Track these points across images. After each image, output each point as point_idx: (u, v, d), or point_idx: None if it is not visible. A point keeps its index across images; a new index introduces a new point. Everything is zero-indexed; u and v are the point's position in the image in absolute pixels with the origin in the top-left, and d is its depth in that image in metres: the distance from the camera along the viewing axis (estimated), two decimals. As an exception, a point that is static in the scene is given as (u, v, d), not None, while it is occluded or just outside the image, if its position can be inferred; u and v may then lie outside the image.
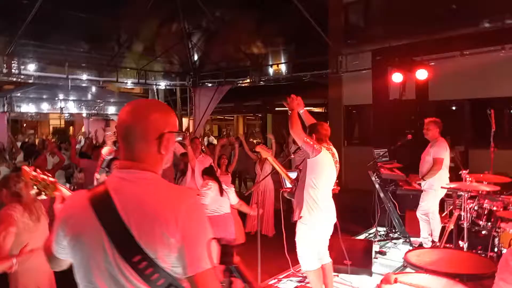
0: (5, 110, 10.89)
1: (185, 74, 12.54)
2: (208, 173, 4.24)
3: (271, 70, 11.73)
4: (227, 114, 19.78)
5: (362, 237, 6.01)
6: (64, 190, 1.62)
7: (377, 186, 5.38)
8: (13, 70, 8.62)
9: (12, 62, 8.56)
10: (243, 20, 11.07)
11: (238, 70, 12.02)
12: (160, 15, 11.06)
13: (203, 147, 6.97)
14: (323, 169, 3.41)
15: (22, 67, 8.80)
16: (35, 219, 2.65)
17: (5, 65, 8.41)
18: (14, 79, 8.89)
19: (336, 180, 3.62)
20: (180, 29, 11.20)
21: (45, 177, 1.63)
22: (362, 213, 6.36)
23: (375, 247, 5.04)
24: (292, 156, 4.20)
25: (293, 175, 3.89)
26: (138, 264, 1.14)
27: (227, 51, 11.92)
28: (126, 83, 11.34)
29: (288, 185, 4.05)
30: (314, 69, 10.90)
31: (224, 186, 4.14)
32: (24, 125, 20.51)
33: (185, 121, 14.63)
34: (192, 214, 1.19)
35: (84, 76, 10.40)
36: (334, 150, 3.61)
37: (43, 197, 1.65)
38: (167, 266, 1.16)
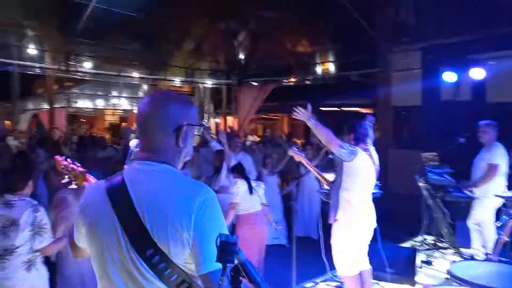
0: (64, 105, 11.60)
1: (231, 73, 12.66)
2: (237, 171, 4.20)
3: (317, 69, 11.53)
4: (272, 113, 19.70)
5: (407, 244, 5.70)
6: (93, 180, 1.65)
7: (424, 192, 5.07)
8: (70, 68, 9.14)
9: (70, 59, 9.08)
10: (289, 19, 10.99)
11: (283, 69, 11.94)
12: (208, 14, 11.27)
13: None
14: (360, 172, 3.26)
15: (79, 64, 9.32)
16: None
17: (63, 62, 8.94)
18: (72, 76, 9.40)
19: (379, 183, 3.45)
20: (227, 28, 11.32)
21: (75, 167, 1.67)
22: (408, 219, 6.03)
23: (421, 256, 4.75)
24: (331, 155, 4.04)
25: (331, 176, 3.75)
26: (151, 258, 1.12)
27: (272, 50, 11.87)
28: (174, 81, 11.65)
29: (325, 186, 3.92)
30: (362, 68, 10.55)
31: (253, 184, 4.08)
32: (81, 120, 21.78)
33: (230, 119, 14.78)
34: (207, 210, 1.14)
35: (135, 74, 10.81)
36: (373, 152, 3.43)
37: (73, 186, 1.69)
38: (180, 262, 1.13)
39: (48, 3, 8.15)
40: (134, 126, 10.94)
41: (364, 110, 14.78)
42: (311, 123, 3.14)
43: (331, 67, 11.52)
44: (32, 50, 9.04)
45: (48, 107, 10.87)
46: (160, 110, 1.24)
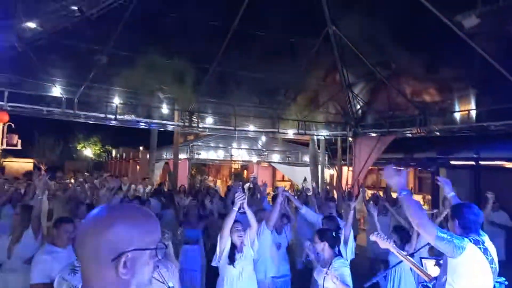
0: (187, 156, 12.73)
1: (346, 124, 12.25)
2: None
3: (443, 119, 10.27)
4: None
5: None
6: None
7: None
8: (193, 124, 10.06)
9: (193, 117, 10.01)
10: (411, 66, 10.23)
11: (405, 119, 10.99)
12: (322, 67, 11.32)
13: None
14: (470, 272, 2.46)
15: (200, 120, 10.20)
16: None
17: (187, 119, 9.90)
18: (194, 131, 10.29)
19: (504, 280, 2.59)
20: (341, 80, 11.13)
21: None
22: None
23: None
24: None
25: (432, 264, 2.98)
26: None
27: (392, 99, 11.12)
28: (287, 133, 11.78)
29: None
30: (503, 117, 8.97)
31: None
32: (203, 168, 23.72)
33: (345, 170, 14.13)
34: None
35: (251, 127, 11.31)
36: (489, 243, 2.57)
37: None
38: None
39: (179, 69, 9.31)
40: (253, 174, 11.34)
41: (508, 165, 12.45)
42: (402, 195, 2.45)
43: (461, 117, 10.10)
44: (165, 109, 10.31)
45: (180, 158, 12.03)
46: (97, 233, 1.01)
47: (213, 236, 5.20)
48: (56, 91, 8.63)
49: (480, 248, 2.50)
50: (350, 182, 12.45)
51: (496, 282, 2.82)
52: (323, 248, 3.38)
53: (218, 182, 22.30)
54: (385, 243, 2.84)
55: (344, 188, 11.80)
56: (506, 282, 2.89)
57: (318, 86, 11.56)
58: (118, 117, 8.96)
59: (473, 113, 9.83)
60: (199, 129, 10.34)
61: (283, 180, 19.21)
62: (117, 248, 1.00)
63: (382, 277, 3.02)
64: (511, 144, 10.09)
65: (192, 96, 9.85)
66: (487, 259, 2.49)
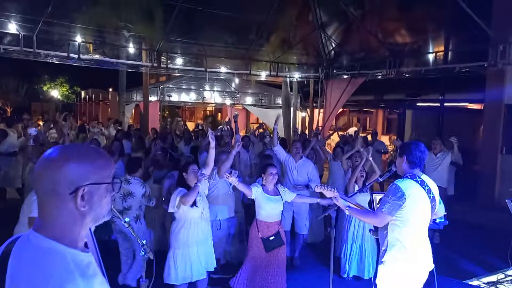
0: (158, 98, 12.51)
1: (318, 65, 12.20)
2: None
3: (413, 61, 10.38)
4: (366, 107, 18.55)
5: (493, 278, 4.75)
6: None
7: None
8: (162, 64, 9.77)
9: (162, 57, 9.69)
10: (383, 7, 10.10)
11: (377, 61, 11.02)
12: (295, 5, 10.98)
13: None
14: (412, 208, 2.72)
15: (169, 61, 9.90)
16: None
17: (155, 59, 9.58)
18: (163, 72, 10.02)
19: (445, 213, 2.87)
20: (314, 20, 10.89)
21: None
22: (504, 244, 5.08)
23: None
24: (381, 180, 3.43)
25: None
26: None
27: (365, 41, 11.05)
28: (260, 75, 11.66)
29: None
30: (469, 60, 9.15)
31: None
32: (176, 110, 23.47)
33: (317, 113, 14.33)
34: None
35: (222, 69, 11.10)
36: (426, 177, 2.83)
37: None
38: None
39: (145, 6, 8.82)
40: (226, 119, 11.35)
41: (473, 106, 12.96)
42: (348, 211, 3.01)
43: (431, 59, 10.23)
44: (131, 49, 9.89)
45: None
46: (53, 172, 1.07)
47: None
48: (12, 27, 8.08)
49: (417, 181, 2.76)
50: (320, 124, 12.69)
51: (439, 221, 3.12)
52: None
53: (189, 124, 22.11)
54: (330, 192, 3.02)
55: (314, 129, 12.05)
56: (447, 223, 3.18)
57: (291, 26, 11.28)
58: (82, 56, 8.54)
59: (442, 55, 9.98)
60: (169, 70, 10.05)
61: (257, 123, 19.34)
62: (74, 183, 1.08)
63: (333, 210, 3.22)
64: (476, 86, 10.41)
65: (159, 34, 9.44)
66: (424, 189, 2.75)
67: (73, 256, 1.06)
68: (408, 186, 2.71)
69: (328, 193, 3.06)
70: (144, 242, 1.95)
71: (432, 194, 2.74)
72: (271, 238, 3.91)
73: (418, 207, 2.73)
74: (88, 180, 1.10)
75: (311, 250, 5.93)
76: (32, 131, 5.31)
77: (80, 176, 1.09)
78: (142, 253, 1.93)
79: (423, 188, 2.73)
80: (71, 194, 1.08)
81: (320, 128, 11.09)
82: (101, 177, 1.13)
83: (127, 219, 1.84)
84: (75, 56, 8.43)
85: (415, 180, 2.73)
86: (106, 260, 1.32)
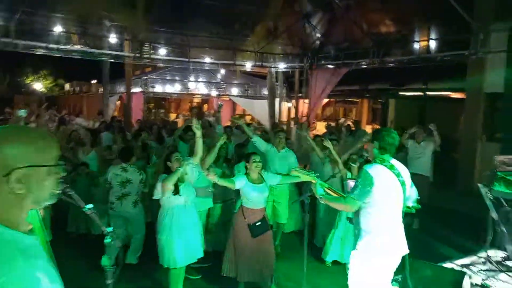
0: (142, 90, 12.37)
1: (303, 56, 12.21)
2: None
3: (399, 50, 10.45)
4: (351, 97, 18.66)
5: (466, 261, 4.84)
6: None
7: (488, 202, 4.26)
8: (144, 55, 9.65)
9: (144, 47, 9.57)
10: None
11: (361, 51, 11.08)
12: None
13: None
14: (382, 193, 2.77)
15: (152, 51, 9.79)
16: None
17: (138, 49, 9.47)
18: (146, 62, 9.90)
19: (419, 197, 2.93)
20: (302, 9, 10.87)
21: None
22: (475, 229, 5.23)
23: (475, 279, 4.00)
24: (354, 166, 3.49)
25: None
26: None
27: (349, 31, 11.09)
28: (244, 65, 11.62)
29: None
30: (451, 49, 9.27)
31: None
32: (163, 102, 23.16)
33: (302, 103, 14.37)
34: None
35: (207, 59, 11.02)
36: (395, 162, 2.89)
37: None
38: None
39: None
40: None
41: (455, 95, 13.14)
42: (322, 200, 3.09)
43: (416, 48, 10.32)
44: (113, 39, 9.74)
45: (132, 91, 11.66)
46: None
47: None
48: (-11, 17, 7.90)
49: (386, 165, 2.81)
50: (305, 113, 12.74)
51: (412, 205, 3.18)
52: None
53: (173, 116, 21.78)
54: (306, 177, 3.06)
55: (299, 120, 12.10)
56: (419, 206, 3.25)
57: (276, 16, 11.23)
58: (62, 46, 8.39)
59: (425, 45, 10.08)
60: (152, 60, 9.94)
61: (244, 114, 19.26)
62: (8, 165, 1.05)
63: (307, 196, 3.27)
64: (458, 75, 10.54)
65: (142, 24, 9.31)
66: (394, 172, 2.81)
67: (12, 235, 1.04)
68: (376, 171, 2.77)
69: (305, 177, 3.10)
70: (109, 229, 1.94)
71: (402, 178, 2.80)
72: (257, 224, 3.97)
73: (388, 192, 2.78)
74: (26, 162, 1.07)
75: (291, 238, 5.99)
76: (22, 112, 5.24)
77: (14, 158, 1.06)
78: (108, 240, 1.93)
79: (393, 172, 2.78)
80: (5, 177, 1.05)
81: (305, 118, 11.15)
82: (43, 160, 1.10)
83: (88, 206, 1.81)
84: (55, 46, 8.27)
85: (384, 165, 2.78)
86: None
